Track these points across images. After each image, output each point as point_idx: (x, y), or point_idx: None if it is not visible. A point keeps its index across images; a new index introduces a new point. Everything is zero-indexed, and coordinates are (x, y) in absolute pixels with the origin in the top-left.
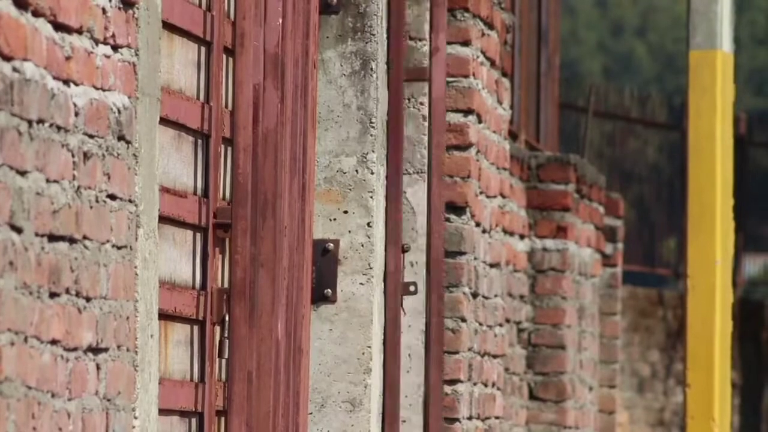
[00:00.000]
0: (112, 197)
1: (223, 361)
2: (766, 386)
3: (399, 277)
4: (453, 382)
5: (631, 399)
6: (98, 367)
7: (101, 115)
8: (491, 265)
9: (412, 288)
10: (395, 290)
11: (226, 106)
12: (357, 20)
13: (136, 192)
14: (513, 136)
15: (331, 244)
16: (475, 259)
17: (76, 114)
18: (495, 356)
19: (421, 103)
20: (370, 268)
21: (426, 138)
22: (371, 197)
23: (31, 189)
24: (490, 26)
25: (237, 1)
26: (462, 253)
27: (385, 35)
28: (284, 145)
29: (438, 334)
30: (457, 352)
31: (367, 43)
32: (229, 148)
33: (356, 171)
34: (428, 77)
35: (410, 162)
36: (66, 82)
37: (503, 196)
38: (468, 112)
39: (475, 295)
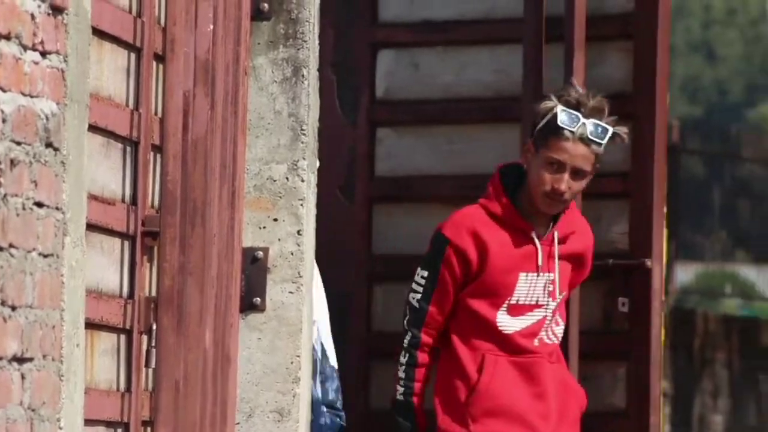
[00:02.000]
0: (39, 205)
1: (150, 371)
2: (697, 396)
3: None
4: None
5: None
6: (23, 377)
7: (29, 121)
8: None
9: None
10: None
11: (156, 113)
12: (289, 26)
13: (63, 199)
14: None
15: (261, 253)
16: None
17: (3, 121)
18: None
19: None
20: (300, 277)
21: None
22: (301, 205)
23: None
24: None
25: (167, 8)
26: None
27: (317, 42)
28: (214, 153)
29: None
30: None
31: (299, 49)
32: (159, 156)
33: (287, 179)
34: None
35: None
36: None
37: None
38: None
39: None
